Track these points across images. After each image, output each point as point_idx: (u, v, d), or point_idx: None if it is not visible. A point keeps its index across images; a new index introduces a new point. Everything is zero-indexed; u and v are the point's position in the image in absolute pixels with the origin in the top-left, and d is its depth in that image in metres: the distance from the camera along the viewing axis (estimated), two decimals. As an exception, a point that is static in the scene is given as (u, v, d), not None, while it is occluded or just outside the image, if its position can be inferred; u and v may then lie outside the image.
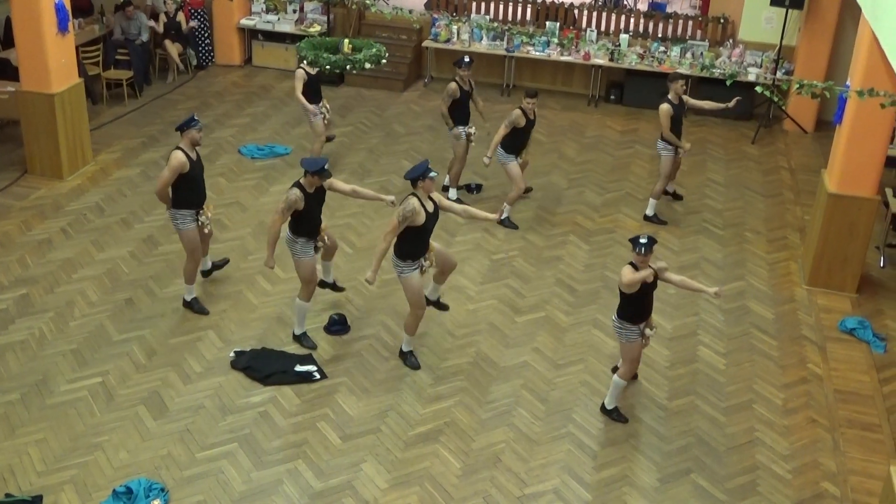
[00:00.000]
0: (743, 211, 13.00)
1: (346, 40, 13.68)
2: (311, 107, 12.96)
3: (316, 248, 9.54)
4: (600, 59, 16.17)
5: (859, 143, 10.43)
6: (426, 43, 16.81)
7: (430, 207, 9.03)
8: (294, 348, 9.67)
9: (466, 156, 12.74)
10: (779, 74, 15.31)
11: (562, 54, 16.26)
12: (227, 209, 12.31)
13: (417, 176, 8.97)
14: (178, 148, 9.59)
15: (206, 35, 17.22)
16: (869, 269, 11.53)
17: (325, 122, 13.22)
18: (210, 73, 17.15)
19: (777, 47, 15.39)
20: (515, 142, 11.99)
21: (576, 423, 8.85)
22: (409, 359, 9.57)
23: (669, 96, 12.01)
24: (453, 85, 12.30)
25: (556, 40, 16.15)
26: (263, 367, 9.31)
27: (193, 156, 9.66)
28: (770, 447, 8.68)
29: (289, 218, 9.29)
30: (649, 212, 12.53)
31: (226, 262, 10.82)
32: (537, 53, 16.38)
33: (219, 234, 11.74)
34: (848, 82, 10.53)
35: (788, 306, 10.85)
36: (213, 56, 17.47)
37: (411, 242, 9.04)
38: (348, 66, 13.38)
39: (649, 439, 8.70)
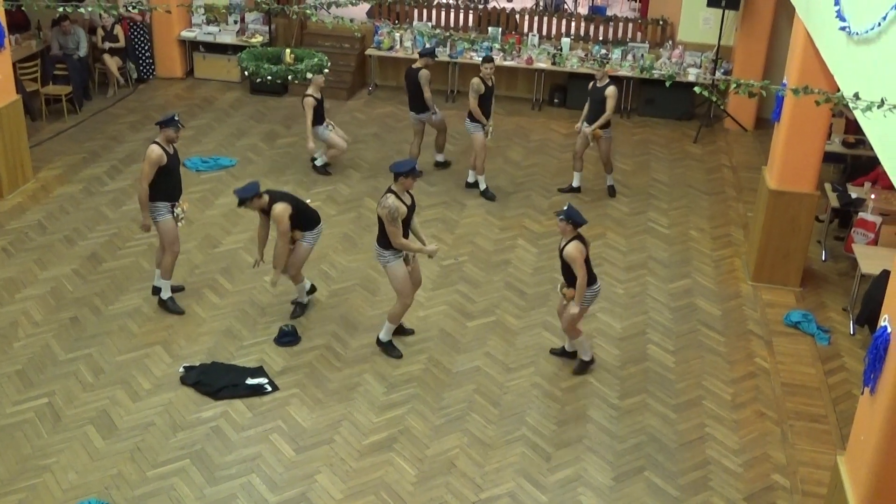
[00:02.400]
0: (687, 210, 13.14)
1: (288, 50, 13.64)
2: (311, 145, 13.24)
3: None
4: (543, 64, 16.26)
5: (797, 140, 10.59)
6: (369, 51, 16.78)
7: (409, 200, 9.30)
8: (244, 360, 9.59)
9: (442, 132, 13.38)
10: (718, 74, 15.50)
11: (504, 59, 16.32)
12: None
13: (404, 172, 9.16)
14: (155, 142, 9.77)
15: (146, 48, 17.04)
16: (811, 263, 11.71)
17: (333, 130, 13.53)
18: (151, 87, 16.96)
19: (715, 48, 15.60)
20: (482, 111, 12.71)
21: (529, 425, 8.88)
22: (390, 350, 9.68)
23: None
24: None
25: (498, 45, 16.23)
26: (214, 381, 9.22)
27: (170, 150, 9.82)
28: (721, 442, 8.78)
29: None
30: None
31: (181, 288, 10.79)
32: (480, 59, 16.40)
33: (164, 249, 11.62)
34: (784, 80, 10.71)
35: (734, 302, 10.99)
36: (153, 69, 17.28)
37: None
38: (290, 77, 13.33)
39: (602, 439, 8.75)
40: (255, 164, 14.06)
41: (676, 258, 11.88)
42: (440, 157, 13.98)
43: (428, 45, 14.20)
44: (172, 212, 10.02)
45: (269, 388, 9.22)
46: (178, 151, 14.17)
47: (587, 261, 9.08)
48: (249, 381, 9.25)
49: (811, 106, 9.40)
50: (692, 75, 15.54)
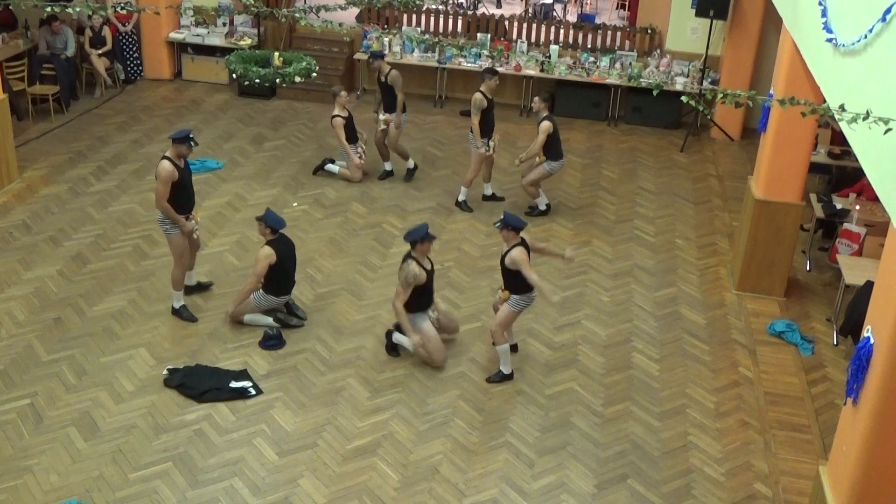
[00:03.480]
0: (673, 218, 13.18)
1: (277, 53, 13.61)
2: (356, 160, 13.38)
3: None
4: (531, 70, 16.29)
5: (783, 150, 10.64)
6: (358, 55, 16.78)
7: (428, 265, 9.50)
8: (228, 364, 9.56)
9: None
10: (705, 84, 15.57)
11: (493, 65, 16.33)
12: (157, 225, 12.11)
13: (417, 239, 9.33)
14: (165, 157, 9.73)
15: (134, 49, 16.99)
16: (796, 273, 11.76)
17: (361, 159, 13.56)
18: (139, 88, 16.91)
19: (703, 57, 15.65)
20: (484, 126, 12.57)
21: (513, 431, 8.88)
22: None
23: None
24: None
25: (486, 52, 16.24)
26: (197, 384, 9.19)
27: (181, 164, 9.81)
28: (703, 451, 8.80)
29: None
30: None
31: (210, 284, 10.78)
32: (468, 65, 16.45)
33: (149, 251, 11.58)
34: (771, 91, 10.75)
35: (719, 311, 11.02)
36: (141, 70, 17.23)
37: (415, 299, 9.43)
38: (279, 80, 13.32)
39: (585, 446, 8.76)
40: (243, 166, 14.03)
41: (662, 266, 11.91)
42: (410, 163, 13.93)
43: (375, 50, 14.18)
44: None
45: (253, 392, 9.20)
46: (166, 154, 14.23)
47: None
48: (233, 385, 9.22)
49: (797, 117, 9.46)
50: (679, 84, 15.60)
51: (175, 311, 10.25)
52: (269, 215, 9.94)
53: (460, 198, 13.02)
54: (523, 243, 9.21)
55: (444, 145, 15.18)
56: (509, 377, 9.57)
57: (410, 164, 13.82)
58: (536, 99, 12.34)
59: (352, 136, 13.47)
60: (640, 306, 11.00)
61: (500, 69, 16.23)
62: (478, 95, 12.43)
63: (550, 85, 16.62)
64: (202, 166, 13.88)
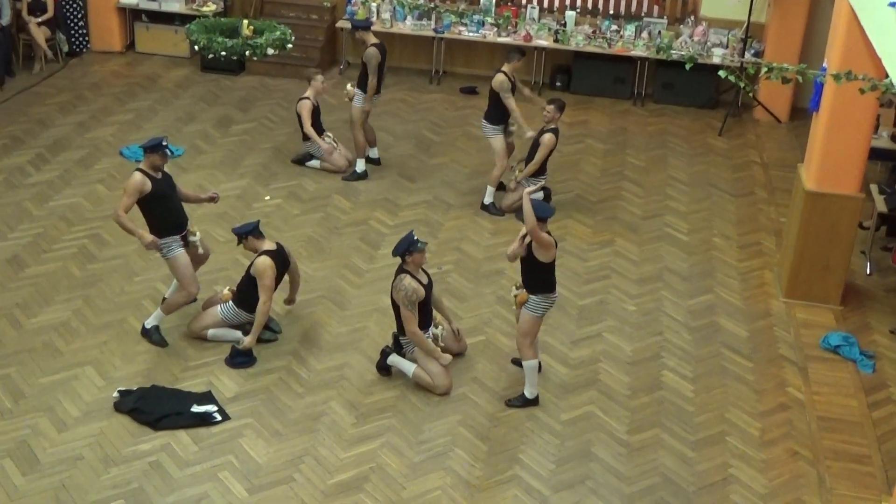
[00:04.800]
0: (710, 213, 13.19)
1: (246, 22, 13.62)
2: (324, 144, 13.40)
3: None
4: (543, 41, 16.29)
5: (839, 133, 10.64)
6: (340, 23, 16.79)
7: (425, 279, 9.58)
8: (190, 384, 9.56)
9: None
10: (747, 56, 15.58)
11: (498, 35, 16.36)
12: (106, 222, 12.13)
13: (404, 250, 9.39)
14: (138, 170, 9.82)
15: (79, 16, 16.99)
16: (854, 277, 11.76)
17: (335, 148, 13.62)
18: (85, 62, 16.92)
19: (744, 25, 15.66)
20: (503, 109, 12.58)
21: (523, 464, 8.89)
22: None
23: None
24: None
25: (491, 19, 16.25)
26: (154, 408, 9.19)
27: (158, 175, 9.84)
28: (746, 485, 8.81)
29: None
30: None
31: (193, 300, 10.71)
32: (470, 35, 16.46)
33: (97, 252, 11.59)
34: (824, 64, 10.75)
35: (764, 322, 11.03)
36: (87, 41, 17.23)
37: None
38: (248, 52, 13.32)
39: (608, 480, 8.77)
40: (207, 154, 14.05)
41: (697, 270, 11.92)
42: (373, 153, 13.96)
43: (360, 18, 14.05)
44: (186, 243, 10.02)
45: (219, 417, 9.20)
46: (116, 137, 14.23)
47: (552, 265, 9.26)
48: (195, 409, 9.23)
49: (855, 94, 9.45)
50: (717, 57, 15.60)
51: (145, 332, 10.20)
52: (238, 228, 10.04)
53: (486, 200, 12.93)
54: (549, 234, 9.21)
55: (441, 128, 15.20)
56: (533, 402, 9.54)
57: (374, 153, 13.85)
58: (550, 108, 12.23)
59: (316, 130, 13.45)
60: (671, 316, 11.01)
61: (506, 39, 16.26)
62: (501, 77, 12.45)
63: (566, 58, 16.64)
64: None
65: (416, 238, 9.47)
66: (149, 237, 9.82)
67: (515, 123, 12.71)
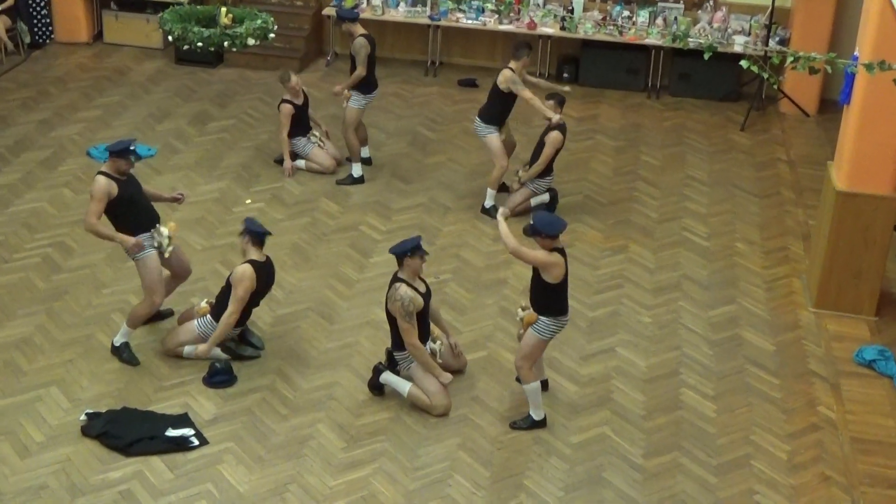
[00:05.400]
0: (732, 216, 13.19)
1: (224, 9, 13.61)
2: (289, 162, 13.53)
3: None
4: (548, 29, 16.30)
5: (872, 128, 10.64)
6: (327, 11, 16.79)
7: (423, 288, 9.58)
8: (164, 406, 9.54)
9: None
10: (771, 44, 15.59)
11: (500, 22, 16.36)
12: (72, 228, 12.14)
13: (403, 252, 9.40)
14: (101, 173, 9.80)
15: (42, 5, 16.99)
16: (890, 286, 11.76)
17: (321, 146, 13.66)
18: (48, 54, 16.94)
19: (768, 10, 15.67)
20: (502, 108, 12.60)
21: (529, 491, 8.88)
22: None
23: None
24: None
25: (491, 5, 16.26)
26: (125, 432, 9.18)
27: (123, 178, 9.85)
28: (774, 513, 8.81)
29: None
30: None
31: (170, 313, 10.75)
32: (469, 22, 16.46)
33: (63, 262, 11.58)
34: (856, 53, 10.76)
35: (792, 335, 11.03)
36: (51, 32, 17.24)
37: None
38: (227, 43, 13.33)
39: (622, 509, 8.77)
40: (182, 154, 14.05)
41: (718, 278, 11.92)
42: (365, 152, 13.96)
43: (346, 7, 14.02)
44: (153, 242, 9.93)
45: (196, 442, 9.19)
46: (83, 136, 14.22)
47: (563, 285, 9.18)
48: (170, 433, 9.21)
49: (889, 85, 9.44)
50: (738, 45, 15.61)
51: (115, 349, 10.20)
52: (250, 224, 10.01)
53: (487, 203, 12.89)
54: (561, 251, 9.14)
55: (437, 125, 15.20)
56: (541, 424, 9.53)
57: (365, 152, 13.79)
58: (550, 103, 12.25)
59: (301, 128, 13.48)
60: (690, 329, 11.00)
61: (509, 26, 16.26)
62: (509, 72, 12.36)
63: (574, 47, 16.64)
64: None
65: (420, 245, 9.45)
66: (131, 240, 9.80)
67: (539, 114, 12.61)
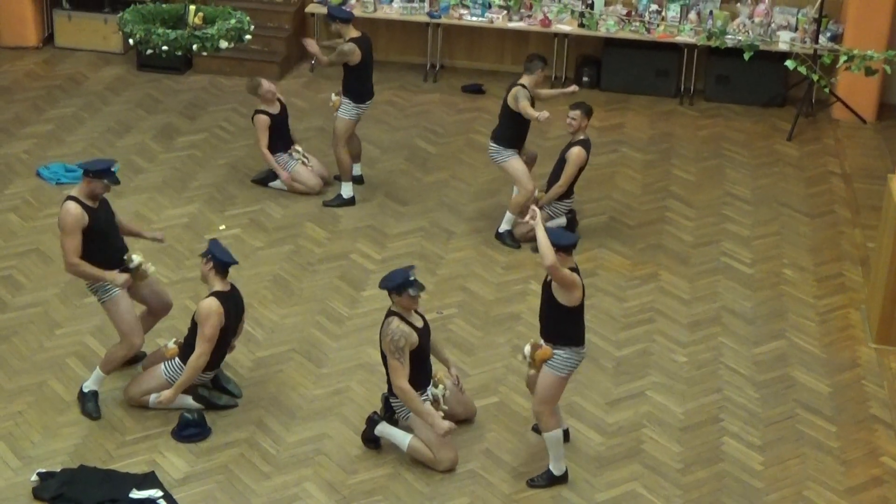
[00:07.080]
0: (779, 238, 13.21)
1: (193, 8, 13.69)
2: (283, 173, 13.53)
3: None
4: (565, 26, 16.35)
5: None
6: (311, 8, 16.86)
7: (419, 322, 9.60)
8: (128, 464, 9.54)
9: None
10: (821, 41, 15.63)
11: (509, 19, 16.42)
12: (21, 260, 12.17)
13: (392, 287, 9.40)
14: (71, 198, 9.76)
15: (-17, 4, 17.12)
16: (961, 317, 11.79)
17: (305, 163, 13.73)
18: (-9, 60, 17.04)
19: (818, 2, 15.72)
20: (517, 128, 12.62)
21: (549, 558, 8.89)
22: None
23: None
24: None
25: (499, 0, 16.32)
26: (83, 494, 9.17)
27: (95, 204, 9.83)
28: (831, 581, 8.82)
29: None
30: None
31: (141, 356, 10.69)
32: (473, 20, 16.52)
33: (10, 299, 11.60)
34: (919, 50, 10.81)
35: (850, 374, 11.03)
36: (-5, 34, 17.35)
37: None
38: (196, 46, 13.38)
39: (657, 577, 8.77)
40: (146, 172, 14.07)
41: (764, 310, 11.94)
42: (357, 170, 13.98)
43: (334, 4, 13.98)
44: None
45: (165, 505, 9.21)
46: (32, 154, 14.27)
47: (579, 310, 9.26)
48: (135, 495, 9.21)
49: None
50: (784, 43, 15.65)
51: (81, 396, 10.18)
52: (215, 248, 9.96)
53: (502, 227, 12.89)
54: (576, 271, 9.20)
55: (438, 136, 15.24)
56: (562, 479, 9.49)
57: (356, 169, 13.81)
58: (576, 113, 12.29)
59: (280, 143, 13.54)
60: (732, 369, 11.01)
61: (520, 24, 16.32)
62: (518, 88, 12.39)
63: (594, 46, 16.68)
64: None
65: (414, 278, 9.43)
66: (121, 277, 9.81)
67: (531, 118, 12.59)
